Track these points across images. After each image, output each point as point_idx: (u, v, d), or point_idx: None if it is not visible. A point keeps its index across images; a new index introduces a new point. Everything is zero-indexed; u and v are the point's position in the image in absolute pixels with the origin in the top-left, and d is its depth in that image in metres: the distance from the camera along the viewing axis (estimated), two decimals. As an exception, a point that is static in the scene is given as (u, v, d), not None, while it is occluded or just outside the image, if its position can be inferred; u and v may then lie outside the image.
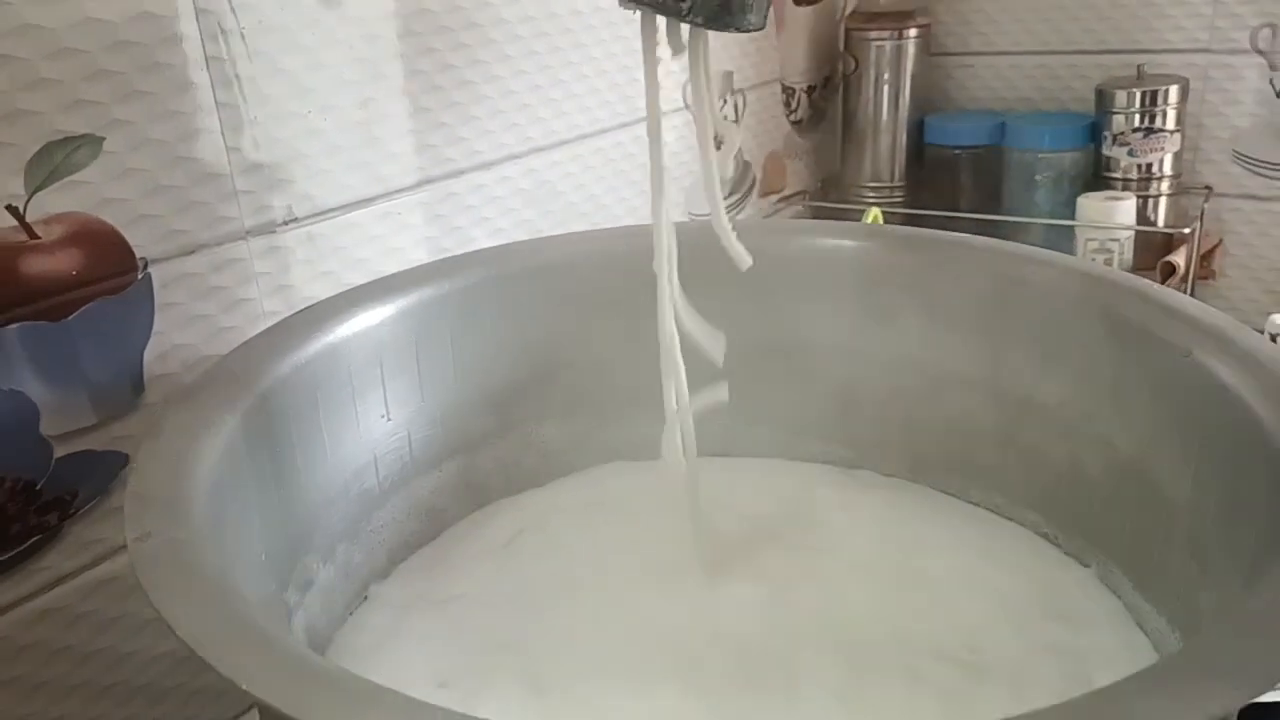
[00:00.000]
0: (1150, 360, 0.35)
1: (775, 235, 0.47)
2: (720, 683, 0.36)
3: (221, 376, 0.33)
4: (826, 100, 0.94)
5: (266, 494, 0.32)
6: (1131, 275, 0.38)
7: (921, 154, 0.93)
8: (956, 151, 0.91)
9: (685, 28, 0.33)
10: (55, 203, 0.38)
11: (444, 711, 0.18)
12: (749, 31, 0.31)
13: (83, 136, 0.38)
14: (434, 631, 0.39)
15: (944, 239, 0.44)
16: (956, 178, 0.92)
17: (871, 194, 0.94)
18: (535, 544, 0.45)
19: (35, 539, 0.39)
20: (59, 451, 0.39)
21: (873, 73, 0.92)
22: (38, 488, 0.38)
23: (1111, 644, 0.38)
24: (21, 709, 0.39)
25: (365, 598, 0.41)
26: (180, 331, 0.42)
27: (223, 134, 0.43)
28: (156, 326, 0.42)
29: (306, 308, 0.39)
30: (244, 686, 0.18)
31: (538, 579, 0.42)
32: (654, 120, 0.35)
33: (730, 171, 0.82)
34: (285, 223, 0.46)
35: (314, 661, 0.20)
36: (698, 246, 0.49)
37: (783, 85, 0.87)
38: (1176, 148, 0.83)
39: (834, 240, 0.46)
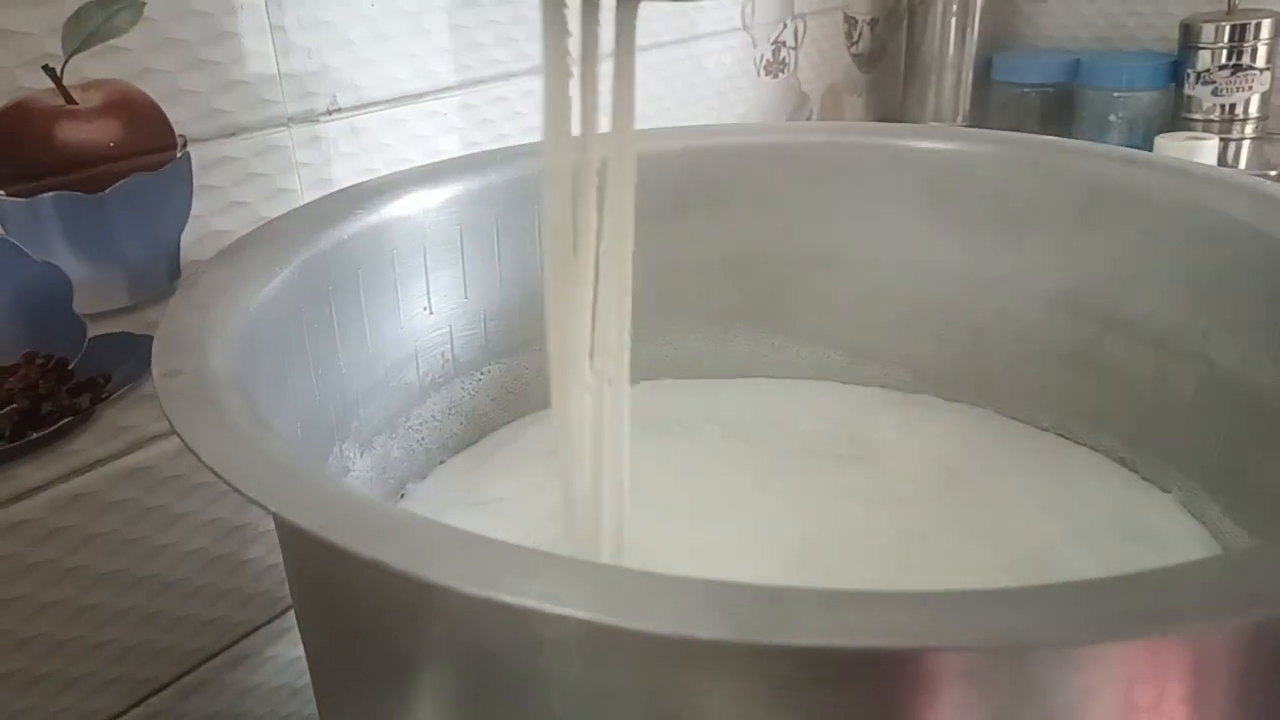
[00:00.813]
0: (1261, 262, 0.32)
1: (836, 136, 0.44)
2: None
3: (263, 239, 0.31)
4: (890, 34, 0.90)
5: (303, 367, 0.31)
6: (1238, 172, 0.35)
7: (988, 93, 0.89)
8: (1026, 90, 0.87)
9: None
10: (93, 69, 0.36)
11: (478, 538, 0.16)
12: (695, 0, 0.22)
13: (122, -1, 0.36)
14: (473, 529, 0.37)
15: (1024, 140, 0.41)
16: (1025, 118, 0.88)
17: (933, 134, 0.90)
18: (579, 454, 0.43)
19: (67, 420, 0.37)
20: (93, 331, 0.38)
21: (940, 6, 0.88)
22: (70, 367, 0.37)
23: (1194, 570, 0.35)
24: (51, 593, 0.38)
25: (402, 495, 0.39)
26: (219, 217, 0.41)
27: (266, 10, 0.41)
28: (195, 209, 0.40)
29: (351, 185, 0.38)
30: (272, 509, 0.17)
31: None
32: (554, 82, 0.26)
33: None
34: (329, 112, 0.45)
35: (346, 489, 0.18)
36: (756, 154, 0.47)
37: (845, 15, 0.83)
38: (1265, 88, 0.78)
39: (901, 141, 0.43)
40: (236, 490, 0.17)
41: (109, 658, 0.41)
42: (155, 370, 0.21)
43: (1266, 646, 0.19)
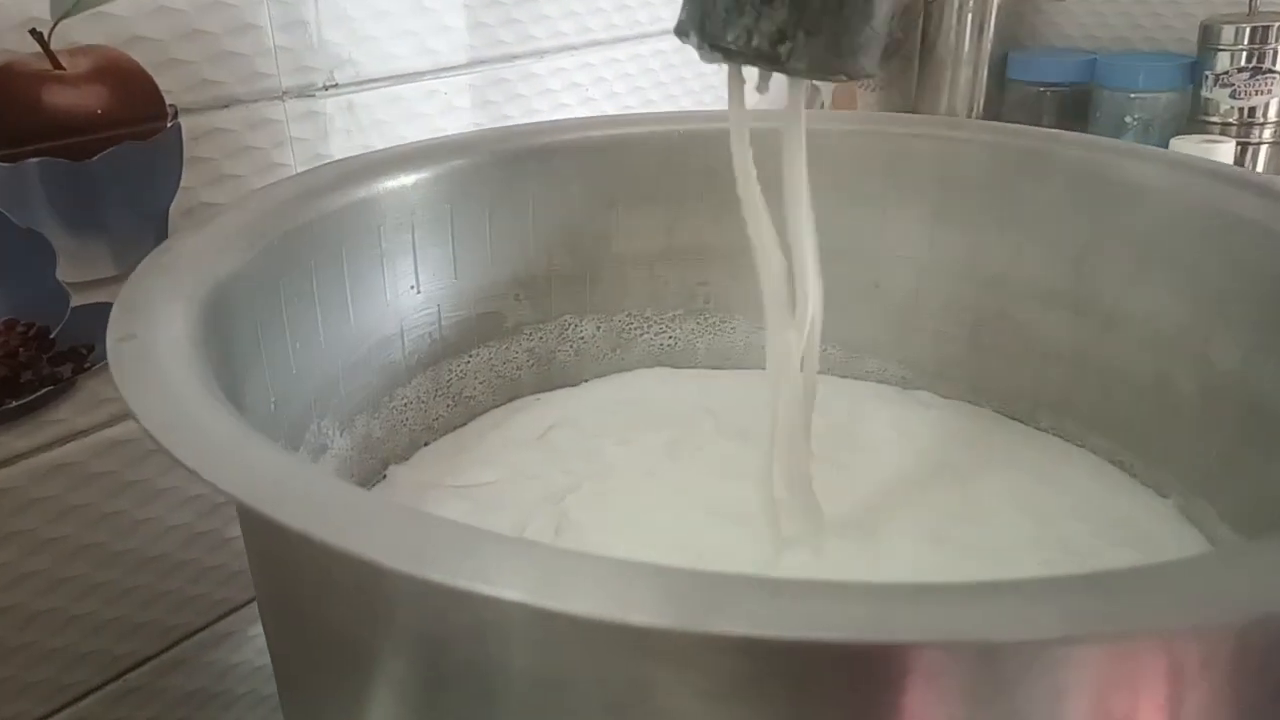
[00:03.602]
0: (1267, 261, 0.31)
1: (839, 127, 0.43)
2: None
3: (243, 210, 0.30)
4: (904, 29, 0.89)
5: (280, 339, 0.30)
6: (1248, 170, 0.34)
7: (1003, 91, 0.88)
8: (1041, 89, 0.86)
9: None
10: (82, 33, 0.35)
11: (419, 514, 0.15)
12: (861, 79, 0.26)
13: (113, -36, 0.36)
14: (454, 512, 0.37)
15: (1023, 132, 0.40)
16: (1039, 118, 0.86)
17: (947, 131, 0.89)
18: (568, 439, 0.42)
19: (47, 390, 0.37)
20: (76, 301, 0.37)
21: (956, 1, 0.86)
22: (52, 336, 0.37)
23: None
24: (27, 564, 0.38)
25: (384, 477, 0.39)
26: (209, 189, 0.40)
27: (262, -19, 0.40)
28: (184, 181, 0.40)
29: (338, 160, 0.37)
30: (203, 475, 0.16)
31: (571, 470, 0.39)
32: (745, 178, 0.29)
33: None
34: (325, 87, 0.44)
35: (286, 460, 0.17)
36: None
37: (860, 8, 0.82)
38: (1284, 91, 0.77)
39: (907, 131, 0.42)
40: (171, 456, 0.17)
41: (85, 631, 0.40)
42: (110, 334, 0.21)
43: (1249, 651, 0.18)
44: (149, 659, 0.43)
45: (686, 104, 0.65)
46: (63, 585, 0.39)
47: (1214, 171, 0.35)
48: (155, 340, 0.21)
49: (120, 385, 0.19)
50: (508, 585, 0.13)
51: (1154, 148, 0.38)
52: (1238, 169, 0.35)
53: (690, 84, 0.65)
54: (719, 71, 0.28)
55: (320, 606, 0.19)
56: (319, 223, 0.32)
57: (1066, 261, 0.39)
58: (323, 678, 0.22)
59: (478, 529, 0.15)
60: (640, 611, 0.13)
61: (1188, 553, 0.35)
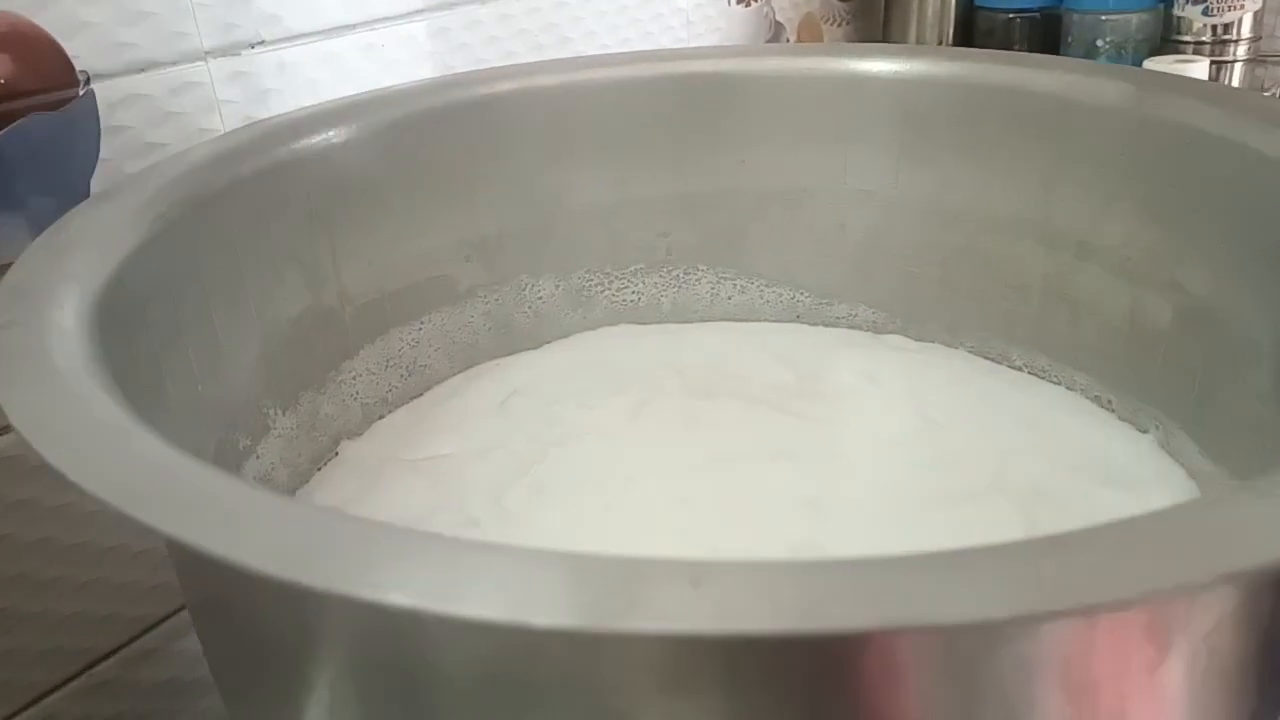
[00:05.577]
0: (1236, 182, 0.30)
1: (797, 60, 0.41)
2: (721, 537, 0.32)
3: (149, 179, 0.28)
4: (869, -41, 0.86)
5: (200, 320, 0.28)
6: (1217, 83, 0.32)
7: (972, 19, 0.85)
8: (1011, 16, 0.83)
9: None
10: (-25, 0, 0.33)
11: (327, 512, 0.14)
12: None
13: (4, -78, 0.33)
14: (413, 488, 0.35)
15: (993, 56, 0.38)
16: (1010, 46, 0.84)
17: (916, 63, 0.87)
18: (530, 407, 0.41)
19: (-27, 381, 0.35)
20: (-5, 286, 0.35)
21: (921, -73, 0.84)
22: (-28, 324, 0.35)
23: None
24: (-30, 564, 0.36)
25: (336, 454, 0.37)
26: (132, 160, 0.38)
27: (173, -65, 0.38)
28: (104, 153, 0.37)
29: (258, 121, 0.35)
30: (72, 479, 0.15)
31: (534, 440, 0.38)
32: None
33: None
34: (252, 45, 0.42)
35: (172, 456, 0.16)
36: (712, 83, 0.44)
37: (821, -61, 0.79)
38: (1258, 6, 0.74)
39: (862, 63, 0.40)
40: (38, 452, 0.15)
41: (41, 630, 0.39)
42: (-13, 323, 0.19)
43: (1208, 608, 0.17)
44: (114, 652, 0.41)
45: (639, 45, 0.62)
46: (10, 585, 0.37)
47: (1177, 87, 0.33)
48: (38, 328, 0.19)
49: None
50: (397, 589, 0.12)
51: (1113, 65, 0.36)
52: (1200, 81, 0.33)
53: (646, 25, 0.62)
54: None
55: (239, 605, 0.18)
56: (237, 188, 0.30)
57: (1032, 190, 0.38)
58: (252, 674, 0.20)
59: (369, 522, 0.13)
60: (544, 612, 0.11)
61: (1169, 488, 0.34)
